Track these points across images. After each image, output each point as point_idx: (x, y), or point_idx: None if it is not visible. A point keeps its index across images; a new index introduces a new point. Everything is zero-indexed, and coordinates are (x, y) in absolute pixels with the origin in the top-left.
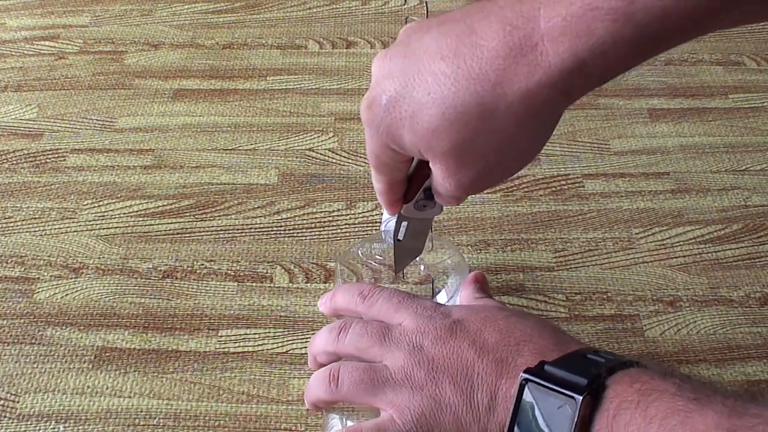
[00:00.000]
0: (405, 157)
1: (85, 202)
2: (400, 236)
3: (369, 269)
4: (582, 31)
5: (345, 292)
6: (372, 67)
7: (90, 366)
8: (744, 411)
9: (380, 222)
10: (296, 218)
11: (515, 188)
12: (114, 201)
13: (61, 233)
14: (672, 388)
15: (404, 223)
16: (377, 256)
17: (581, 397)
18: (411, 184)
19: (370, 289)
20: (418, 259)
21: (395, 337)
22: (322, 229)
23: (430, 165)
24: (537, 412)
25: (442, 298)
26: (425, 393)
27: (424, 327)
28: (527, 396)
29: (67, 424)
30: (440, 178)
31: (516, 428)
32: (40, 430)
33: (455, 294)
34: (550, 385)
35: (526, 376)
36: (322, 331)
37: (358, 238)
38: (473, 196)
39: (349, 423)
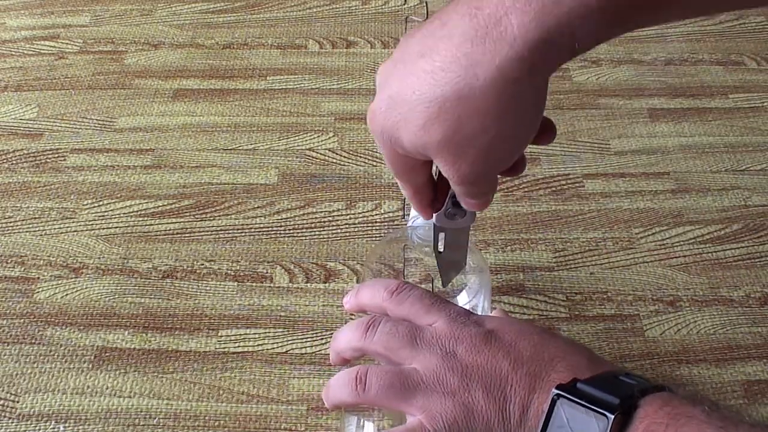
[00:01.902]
0: (417, 161)
1: (85, 202)
2: (440, 248)
3: (392, 270)
4: (548, 1)
5: (371, 287)
6: (376, 77)
7: (90, 366)
8: None
9: (400, 220)
10: (296, 218)
11: (515, 188)
12: (114, 201)
13: (61, 233)
14: (701, 415)
15: (441, 234)
16: (401, 257)
17: (613, 416)
18: (439, 193)
19: (399, 285)
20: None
21: (427, 339)
22: (322, 229)
23: (436, 164)
24: (567, 429)
25: (463, 298)
26: (457, 399)
27: (459, 333)
28: (558, 412)
29: (67, 424)
30: (447, 172)
31: None
32: (40, 430)
33: (477, 294)
34: (583, 402)
35: (559, 392)
36: (348, 328)
37: (358, 238)
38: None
39: (368, 424)
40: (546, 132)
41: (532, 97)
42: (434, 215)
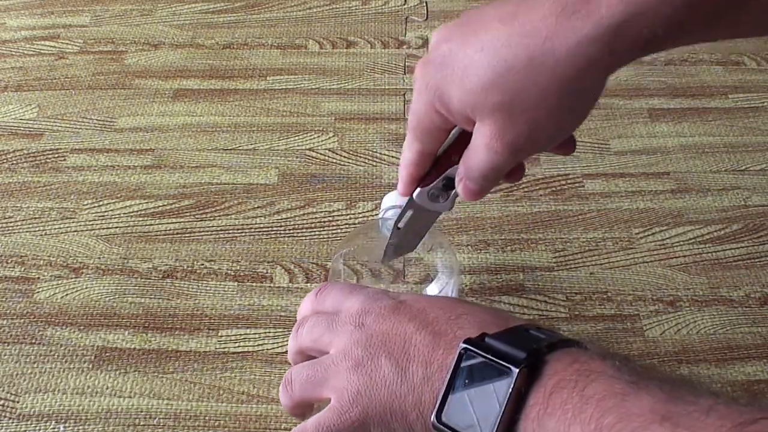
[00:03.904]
0: (446, 124)
1: (85, 202)
2: (401, 224)
3: (353, 271)
4: None
5: (307, 297)
6: (431, 37)
7: (90, 366)
8: (680, 397)
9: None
10: (296, 218)
11: (515, 188)
12: (114, 201)
13: (61, 233)
14: (610, 370)
15: (410, 212)
16: (364, 257)
17: (518, 370)
18: (432, 170)
19: (323, 285)
20: (413, 254)
21: (341, 320)
22: (322, 229)
23: (476, 129)
24: (473, 383)
25: (432, 290)
26: (361, 371)
27: (369, 307)
28: (465, 366)
29: (67, 424)
30: (488, 138)
31: (450, 397)
32: (40, 430)
33: (444, 288)
34: (488, 356)
35: (466, 345)
36: (291, 334)
37: None
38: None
39: None
40: (569, 141)
41: (594, 87)
42: (416, 191)
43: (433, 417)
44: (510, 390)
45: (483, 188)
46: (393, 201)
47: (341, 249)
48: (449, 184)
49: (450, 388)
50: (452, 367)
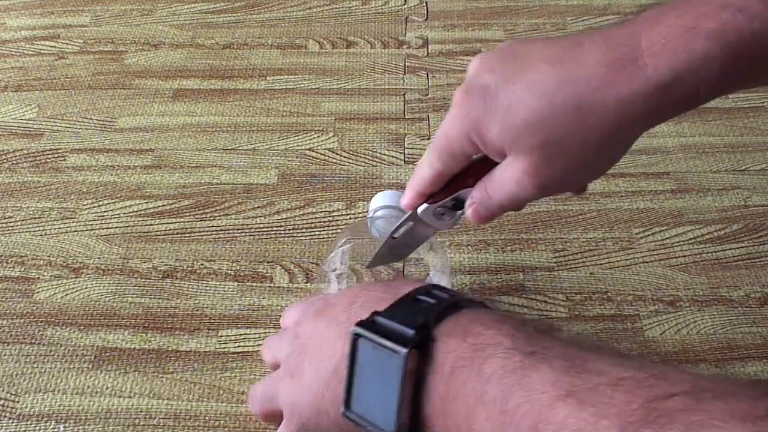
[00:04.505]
0: (474, 152)
1: (85, 202)
2: (397, 234)
3: (340, 274)
4: (680, 49)
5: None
6: (470, 64)
7: (90, 366)
8: (583, 365)
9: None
10: (296, 218)
11: None
12: (114, 201)
13: (61, 233)
14: (506, 341)
15: (409, 223)
16: (354, 257)
17: (406, 351)
18: (443, 189)
19: (289, 307)
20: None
21: (285, 335)
22: (322, 229)
23: (508, 162)
24: (371, 369)
25: None
26: (294, 381)
27: (303, 317)
28: (360, 352)
29: (67, 424)
30: (519, 174)
31: (354, 386)
32: (40, 430)
33: None
34: (378, 339)
35: (358, 330)
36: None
37: None
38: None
39: None
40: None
41: (633, 139)
42: (422, 206)
43: (342, 407)
44: (402, 374)
45: (494, 216)
46: (382, 201)
47: (330, 251)
48: (458, 204)
49: (351, 377)
50: (349, 356)
